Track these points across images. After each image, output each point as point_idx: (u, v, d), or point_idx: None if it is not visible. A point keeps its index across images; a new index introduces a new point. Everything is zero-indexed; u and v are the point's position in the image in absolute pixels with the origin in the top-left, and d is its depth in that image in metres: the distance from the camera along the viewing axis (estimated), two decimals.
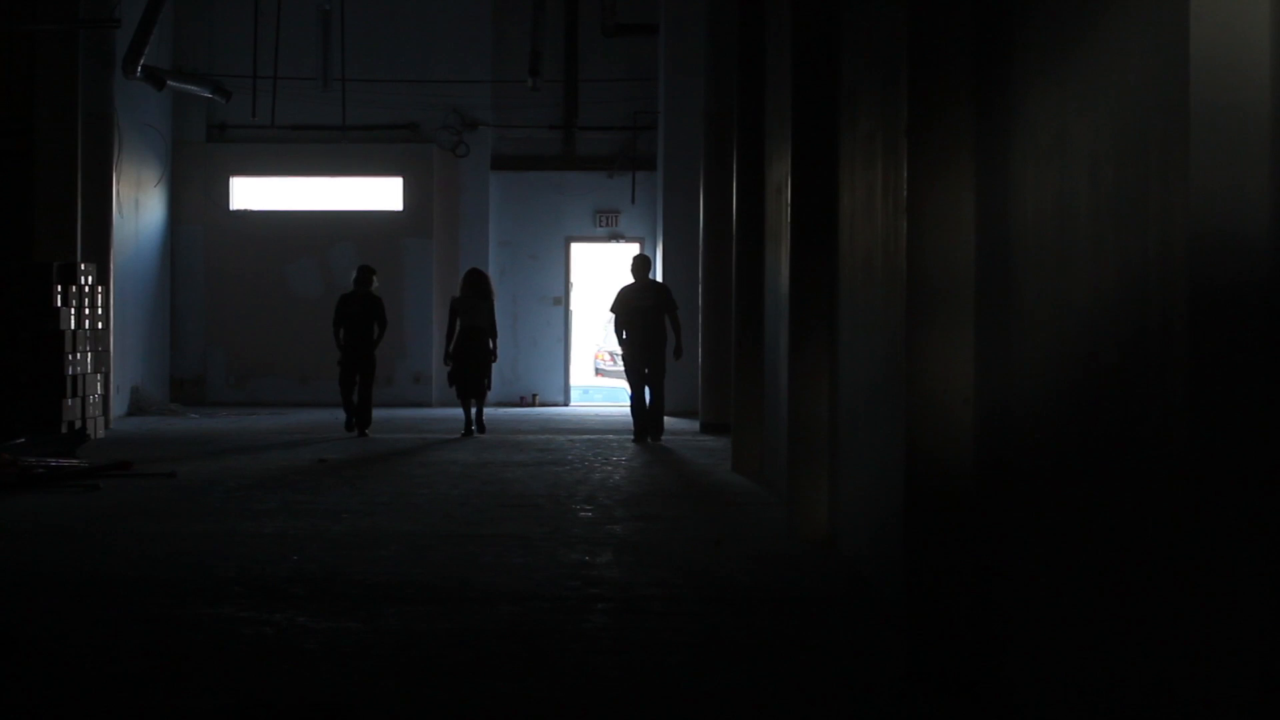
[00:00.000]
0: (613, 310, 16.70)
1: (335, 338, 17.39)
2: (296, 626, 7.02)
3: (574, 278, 24.54)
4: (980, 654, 5.76)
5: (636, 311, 16.32)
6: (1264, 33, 3.65)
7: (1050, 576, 4.89)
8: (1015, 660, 5.32)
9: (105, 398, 17.66)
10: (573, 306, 24.55)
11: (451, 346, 17.10)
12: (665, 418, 20.96)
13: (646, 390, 16.60)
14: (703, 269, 18.54)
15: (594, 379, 28.93)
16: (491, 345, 17.29)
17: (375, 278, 17.48)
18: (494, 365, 17.65)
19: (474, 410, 17.39)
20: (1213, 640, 3.64)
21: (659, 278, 22.52)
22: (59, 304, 16.14)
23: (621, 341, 16.63)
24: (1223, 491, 3.64)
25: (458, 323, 17.07)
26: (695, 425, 19.03)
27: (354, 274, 17.71)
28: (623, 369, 17.11)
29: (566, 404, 23.72)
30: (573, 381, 24.39)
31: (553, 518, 10.72)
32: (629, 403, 16.90)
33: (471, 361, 17.09)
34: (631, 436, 16.78)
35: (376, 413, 21.33)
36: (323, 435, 16.99)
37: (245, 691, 5.92)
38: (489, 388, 17.64)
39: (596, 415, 21.44)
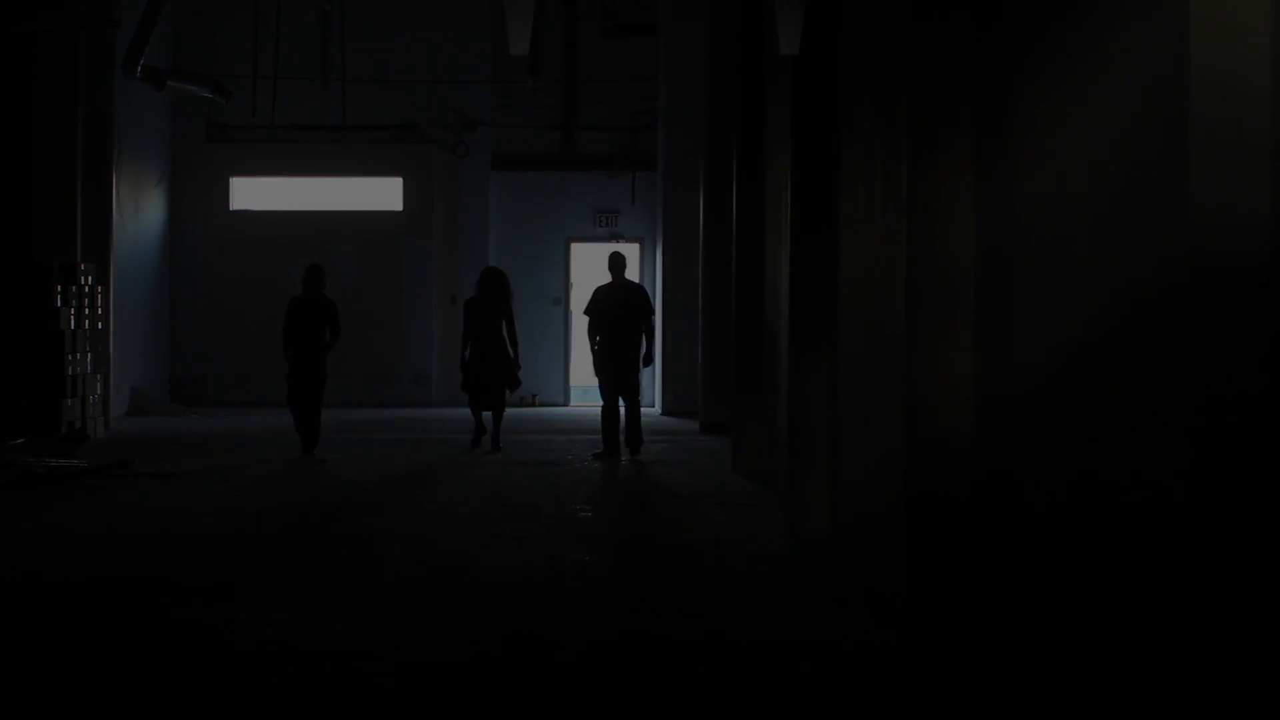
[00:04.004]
0: (587, 313, 15.37)
1: (284, 348, 15.20)
2: (297, 626, 7.02)
3: (574, 278, 24.54)
4: (980, 654, 5.76)
5: (611, 313, 15.16)
6: (1264, 33, 3.65)
7: (1049, 575, 4.89)
8: (1014, 659, 5.32)
9: (105, 398, 17.65)
10: (573, 306, 24.54)
11: (466, 352, 15.70)
12: (666, 418, 21.01)
13: (621, 401, 15.24)
14: (703, 269, 18.53)
15: (594, 379, 28.86)
16: (512, 353, 15.71)
17: (325, 278, 15.43)
18: (517, 373, 15.91)
19: (490, 421, 15.86)
20: (1210, 637, 3.64)
21: (659, 277, 22.53)
22: (59, 304, 16.13)
23: (594, 347, 15.28)
24: (1223, 489, 3.64)
25: (472, 327, 15.69)
26: (695, 425, 19.02)
27: (303, 275, 15.47)
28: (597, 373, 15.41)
29: (567, 404, 23.73)
30: (573, 382, 24.38)
31: (553, 518, 10.72)
32: (600, 415, 15.39)
33: (485, 368, 15.66)
34: (600, 450, 15.20)
35: (376, 412, 21.36)
36: (323, 435, 16.95)
37: (246, 691, 5.92)
38: (510, 395, 16.06)
39: (596, 416, 21.39)
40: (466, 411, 16.57)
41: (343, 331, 15.52)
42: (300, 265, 15.90)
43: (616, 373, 15.18)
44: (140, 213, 21.63)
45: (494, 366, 15.73)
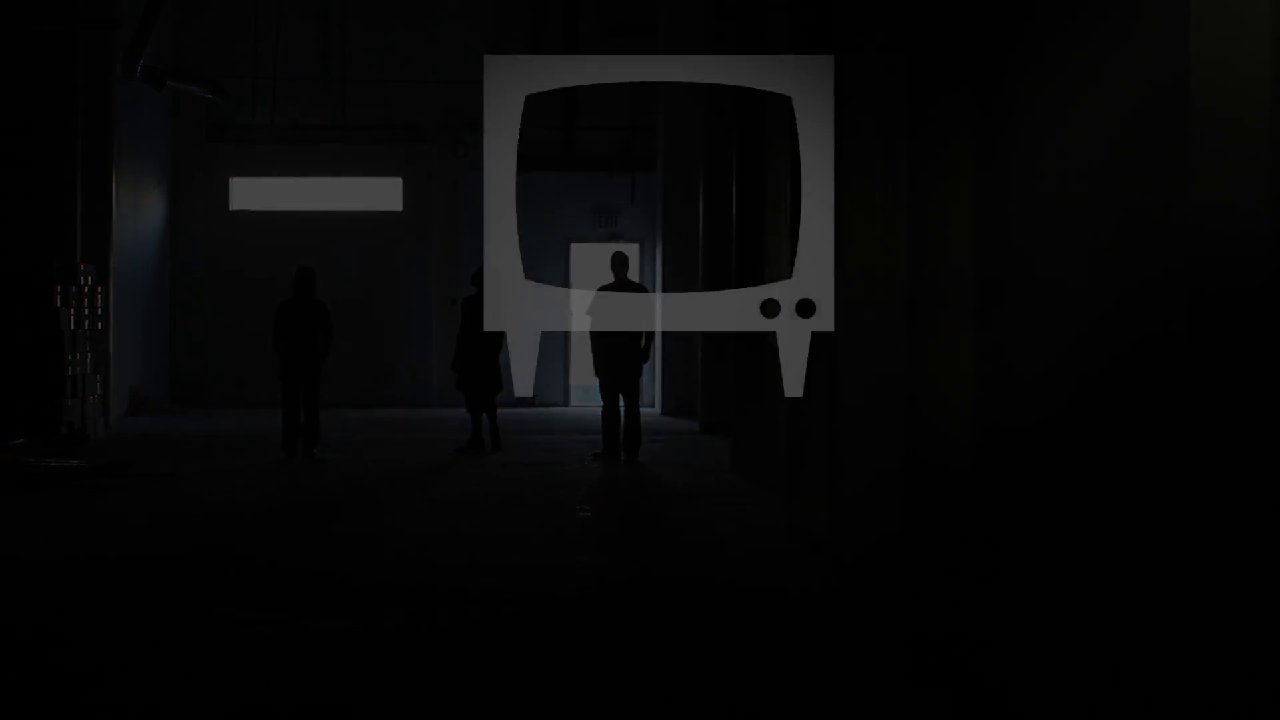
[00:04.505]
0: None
1: (276, 351, 15.03)
2: (297, 626, 7.02)
3: (574, 278, 24.52)
4: (979, 653, 5.76)
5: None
6: (1264, 33, 3.66)
7: (1050, 575, 4.89)
8: (1015, 659, 5.32)
9: (105, 398, 17.66)
10: (572, 307, 24.53)
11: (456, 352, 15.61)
12: (666, 418, 21.02)
13: (621, 401, 15.09)
14: (703, 269, 18.53)
15: (594, 379, 28.82)
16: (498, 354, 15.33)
17: (316, 281, 15.30)
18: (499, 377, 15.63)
19: (486, 423, 15.67)
20: (1207, 638, 3.64)
21: (659, 278, 22.53)
22: (59, 304, 16.13)
23: (595, 347, 15.13)
24: (1225, 492, 3.64)
25: (468, 327, 15.38)
26: (695, 425, 19.02)
27: (293, 278, 15.33)
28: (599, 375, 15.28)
29: (567, 404, 23.74)
30: (573, 382, 24.38)
31: (553, 518, 10.73)
32: (601, 415, 15.34)
33: (476, 368, 15.46)
34: (599, 449, 15.18)
35: (377, 413, 21.37)
36: (323, 435, 16.94)
37: (246, 691, 5.92)
38: (498, 394, 15.73)
39: (596, 416, 21.39)
40: (465, 411, 16.03)
41: (340, 333, 15.47)
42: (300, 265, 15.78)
43: (617, 372, 15.16)
44: (140, 213, 21.63)
45: (487, 367, 15.50)
